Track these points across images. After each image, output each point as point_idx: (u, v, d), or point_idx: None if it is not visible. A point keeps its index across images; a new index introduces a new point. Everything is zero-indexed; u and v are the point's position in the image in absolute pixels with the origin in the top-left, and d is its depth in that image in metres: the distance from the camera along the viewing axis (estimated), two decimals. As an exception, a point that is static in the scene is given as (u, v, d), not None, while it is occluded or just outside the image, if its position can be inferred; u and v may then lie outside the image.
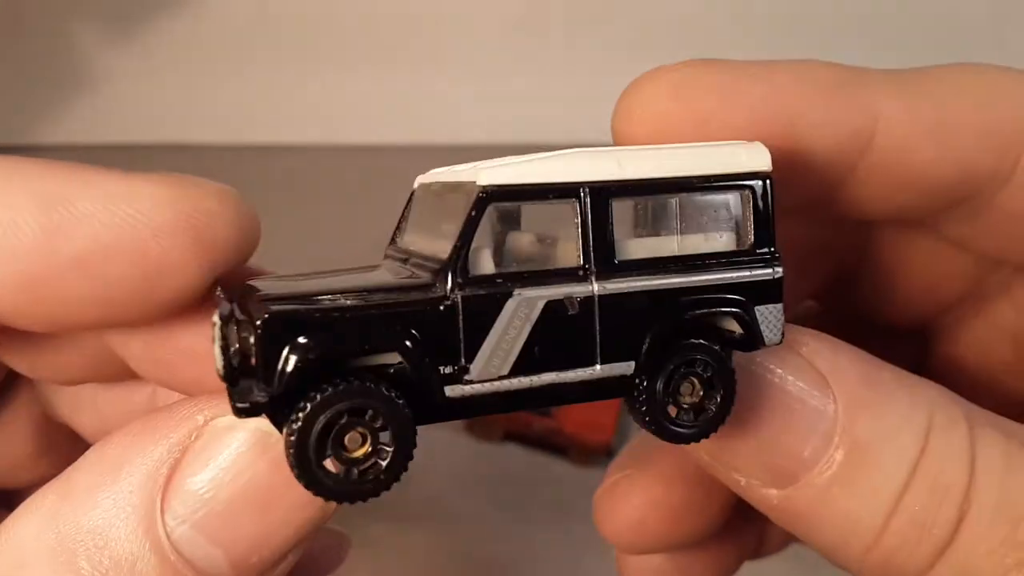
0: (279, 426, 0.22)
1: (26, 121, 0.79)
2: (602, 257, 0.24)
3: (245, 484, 0.23)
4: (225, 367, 0.22)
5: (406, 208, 0.28)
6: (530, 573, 0.57)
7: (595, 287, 0.24)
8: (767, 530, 0.40)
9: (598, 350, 0.24)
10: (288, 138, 0.79)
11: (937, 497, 0.25)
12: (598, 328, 0.24)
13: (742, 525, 0.39)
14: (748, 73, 0.27)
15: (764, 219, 0.26)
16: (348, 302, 0.22)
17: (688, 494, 0.36)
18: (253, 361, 0.21)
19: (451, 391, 0.23)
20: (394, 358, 0.22)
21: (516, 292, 0.23)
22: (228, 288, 0.25)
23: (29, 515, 0.23)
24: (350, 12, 0.77)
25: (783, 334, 0.26)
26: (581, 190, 0.24)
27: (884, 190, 0.29)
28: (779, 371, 0.25)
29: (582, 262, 0.24)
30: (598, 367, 0.24)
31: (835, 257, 0.36)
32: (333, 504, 0.23)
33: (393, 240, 0.28)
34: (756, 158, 0.26)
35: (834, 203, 0.30)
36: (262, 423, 0.22)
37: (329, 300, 0.22)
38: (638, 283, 0.24)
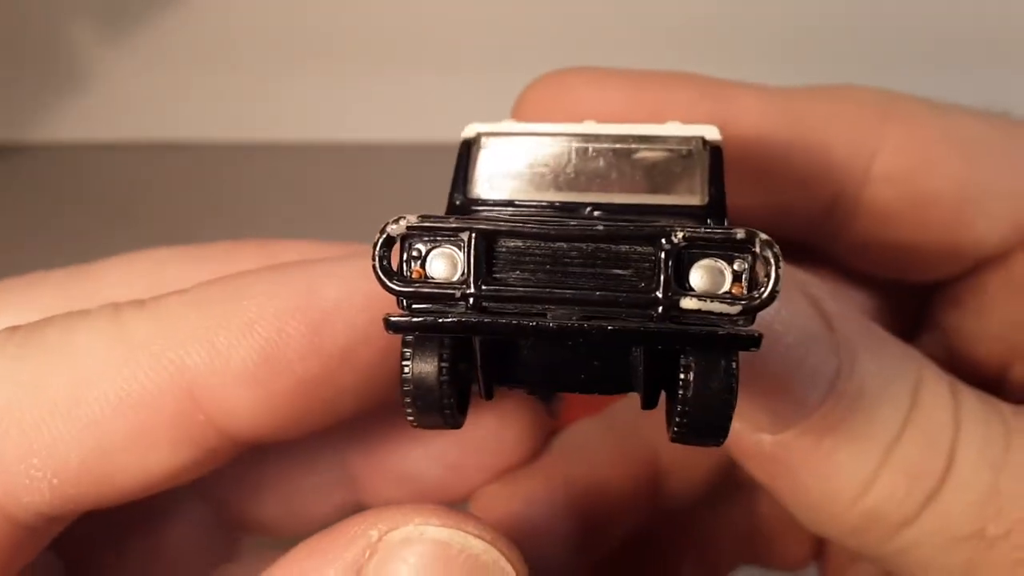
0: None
1: (18, 119, 0.79)
2: None
3: None
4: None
5: (470, 161, 0.25)
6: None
7: None
8: (707, 556, 0.39)
9: None
10: (284, 136, 0.79)
11: (927, 448, 0.25)
12: None
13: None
14: (617, 72, 0.30)
15: None
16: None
17: (555, 522, 0.34)
18: (735, 291, 0.19)
19: None
20: None
21: None
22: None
23: None
24: (347, 9, 0.77)
25: None
26: None
27: (742, 182, 0.30)
28: (786, 308, 0.24)
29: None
30: None
31: None
32: None
33: (463, 193, 0.25)
34: None
35: None
36: (440, 533, 0.21)
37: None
38: None
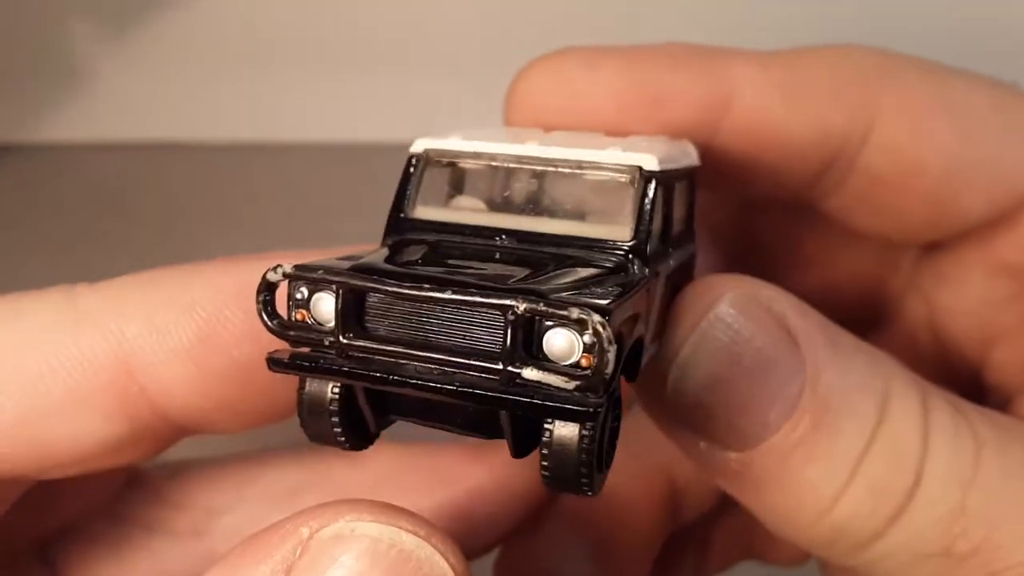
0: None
1: (18, 119, 0.79)
2: (669, 236, 0.26)
3: None
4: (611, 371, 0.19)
5: (413, 177, 0.26)
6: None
7: (671, 263, 0.25)
8: (709, 554, 0.39)
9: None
10: (284, 136, 0.79)
11: (894, 464, 0.24)
12: (666, 303, 0.25)
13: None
14: (611, 51, 0.30)
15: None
16: (620, 293, 0.21)
17: (582, 566, 0.34)
18: (584, 362, 0.19)
19: (642, 367, 0.23)
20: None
21: (658, 271, 0.24)
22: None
23: None
24: (347, 10, 0.77)
25: None
26: (683, 176, 0.26)
27: (746, 157, 0.30)
28: (750, 328, 0.24)
29: (665, 241, 0.25)
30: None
31: (730, 238, 0.37)
32: None
33: (401, 211, 0.26)
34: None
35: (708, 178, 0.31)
36: (371, 529, 0.20)
37: (602, 291, 0.21)
38: (673, 260, 0.26)
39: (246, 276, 0.25)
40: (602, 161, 0.24)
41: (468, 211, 0.25)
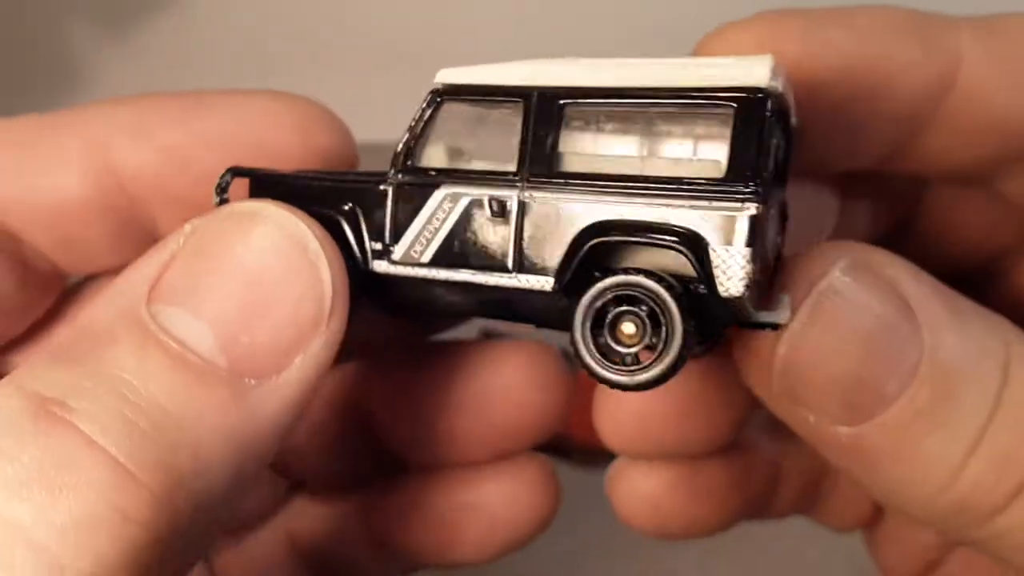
0: None
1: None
2: (540, 165, 0.24)
3: (227, 259, 0.22)
4: None
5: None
6: (534, 575, 0.57)
7: (524, 195, 0.24)
8: (777, 495, 0.39)
9: (514, 257, 0.24)
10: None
11: (1019, 433, 0.23)
12: (519, 236, 0.24)
13: (755, 482, 0.38)
14: (828, 18, 0.27)
15: (747, 145, 0.21)
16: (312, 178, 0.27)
17: (699, 475, 0.34)
18: None
19: (377, 266, 0.26)
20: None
21: (442, 186, 0.25)
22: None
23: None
24: (346, 11, 0.77)
25: (747, 287, 0.21)
26: (532, 94, 0.24)
27: (960, 139, 0.28)
28: (866, 296, 0.23)
29: (516, 167, 0.24)
30: (515, 275, 0.24)
31: (889, 213, 0.35)
32: (335, 310, 0.23)
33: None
34: (752, 73, 0.21)
35: (905, 155, 0.29)
36: (235, 206, 0.24)
37: (302, 177, 0.27)
38: (571, 199, 0.23)
39: (190, 95, 0.32)
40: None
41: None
